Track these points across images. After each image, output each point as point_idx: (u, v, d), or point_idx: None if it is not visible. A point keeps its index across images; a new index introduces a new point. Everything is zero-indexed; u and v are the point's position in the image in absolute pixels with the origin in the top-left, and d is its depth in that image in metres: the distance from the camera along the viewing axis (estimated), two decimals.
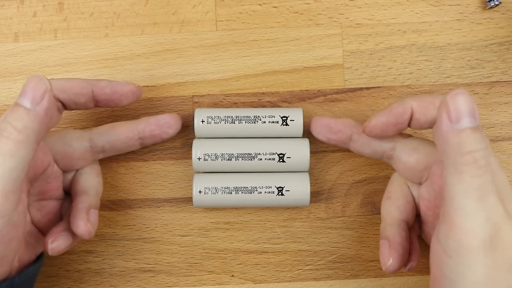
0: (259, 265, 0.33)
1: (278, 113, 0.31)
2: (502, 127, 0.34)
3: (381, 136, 0.29)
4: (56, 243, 0.28)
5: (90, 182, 0.30)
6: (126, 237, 0.33)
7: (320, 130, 0.31)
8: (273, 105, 0.34)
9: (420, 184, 0.29)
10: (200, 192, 0.31)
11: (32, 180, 0.28)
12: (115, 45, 0.34)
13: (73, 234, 0.28)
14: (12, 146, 0.24)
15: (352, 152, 0.31)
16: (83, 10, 0.35)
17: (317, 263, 0.33)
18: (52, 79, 0.28)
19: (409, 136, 0.30)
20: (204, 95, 0.34)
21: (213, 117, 0.31)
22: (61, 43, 0.34)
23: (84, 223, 0.28)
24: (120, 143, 0.31)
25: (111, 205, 0.33)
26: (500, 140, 0.33)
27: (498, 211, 0.23)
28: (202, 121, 0.31)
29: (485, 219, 0.22)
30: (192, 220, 0.33)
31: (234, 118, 0.31)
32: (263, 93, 0.34)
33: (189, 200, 0.33)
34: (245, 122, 0.31)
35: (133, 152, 0.33)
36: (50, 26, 0.35)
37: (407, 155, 0.29)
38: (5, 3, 0.35)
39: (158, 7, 0.35)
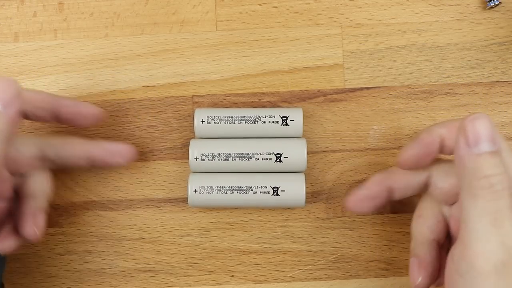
0: (259, 265, 0.33)
1: (278, 113, 0.31)
2: (502, 127, 0.34)
3: (416, 168, 0.29)
4: (5, 245, 0.28)
5: (39, 186, 0.30)
6: (126, 237, 0.33)
7: (361, 205, 0.30)
8: (273, 105, 0.34)
9: (452, 204, 0.29)
10: (195, 191, 0.31)
11: None
12: (115, 45, 0.34)
13: (21, 235, 0.29)
14: None
15: (352, 152, 0.32)
16: (83, 10, 0.35)
17: (317, 263, 0.33)
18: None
19: (440, 160, 0.29)
20: (204, 95, 0.34)
21: (213, 117, 0.31)
22: (61, 43, 0.34)
23: (30, 226, 0.28)
24: (69, 160, 0.31)
25: (111, 205, 0.33)
26: None
27: None
28: (202, 121, 0.31)
29: (499, 243, 0.22)
30: (192, 220, 0.33)
31: (234, 118, 0.31)
32: (263, 93, 0.34)
33: None
34: (245, 122, 0.31)
35: None
36: (50, 26, 0.35)
37: (441, 181, 0.28)
38: (5, 3, 0.35)
39: (158, 7, 0.35)
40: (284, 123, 0.31)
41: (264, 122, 0.31)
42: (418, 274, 0.28)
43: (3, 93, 0.25)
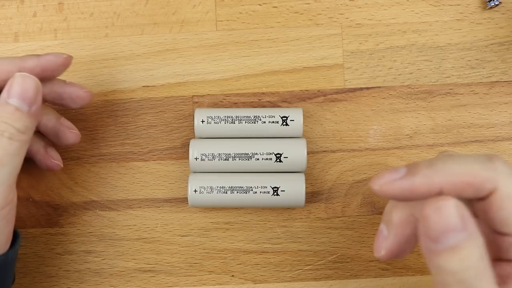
0: (259, 265, 0.33)
1: (278, 113, 0.31)
2: (502, 127, 0.34)
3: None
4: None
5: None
6: (126, 237, 0.33)
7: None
8: (273, 105, 0.34)
9: None
10: (195, 191, 0.31)
11: None
12: (115, 45, 0.34)
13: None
14: (18, 146, 0.25)
15: (352, 152, 0.32)
16: (83, 10, 0.35)
17: (317, 263, 0.33)
18: None
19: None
20: (204, 95, 0.34)
21: (213, 117, 0.31)
22: (61, 43, 0.34)
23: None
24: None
25: (111, 205, 0.33)
26: (500, 140, 0.33)
27: None
28: (202, 121, 0.31)
29: None
30: (192, 220, 0.33)
31: (234, 118, 0.31)
32: (263, 93, 0.34)
33: None
34: (245, 122, 0.31)
35: (133, 152, 0.33)
36: (50, 26, 0.35)
37: None
38: (5, 3, 0.35)
39: (158, 7, 0.35)
40: (284, 123, 0.31)
41: (264, 122, 0.31)
42: (381, 248, 0.24)
43: (27, 92, 0.26)
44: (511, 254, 0.22)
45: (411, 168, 0.22)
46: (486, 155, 0.22)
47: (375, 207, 0.33)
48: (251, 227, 0.33)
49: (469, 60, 0.34)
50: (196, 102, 0.34)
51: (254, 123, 0.31)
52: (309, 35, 0.34)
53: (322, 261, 0.33)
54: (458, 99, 0.34)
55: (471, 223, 0.20)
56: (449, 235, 0.19)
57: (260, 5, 0.35)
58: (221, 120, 0.31)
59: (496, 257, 0.22)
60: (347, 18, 0.34)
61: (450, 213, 0.19)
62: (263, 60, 0.34)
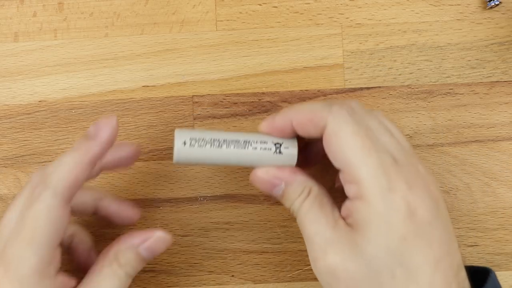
0: (259, 265, 0.33)
1: (271, 139, 0.28)
2: (502, 127, 0.34)
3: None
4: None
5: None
6: None
7: (270, 130, 0.28)
8: (273, 105, 0.34)
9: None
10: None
11: None
12: (115, 45, 0.34)
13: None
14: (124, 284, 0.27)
15: None
16: (83, 10, 0.35)
17: None
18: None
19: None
20: (204, 95, 0.34)
21: (197, 139, 0.27)
22: (61, 43, 0.34)
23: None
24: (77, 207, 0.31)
25: None
26: (500, 140, 0.33)
27: None
28: (184, 143, 0.27)
29: None
30: (192, 220, 0.33)
31: (222, 142, 0.27)
32: (263, 93, 0.34)
33: (189, 200, 0.33)
34: (234, 147, 0.27)
35: None
36: (50, 26, 0.35)
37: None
38: (5, 3, 0.35)
39: (158, 7, 0.35)
40: (278, 151, 0.28)
41: (255, 148, 0.28)
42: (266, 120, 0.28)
43: (157, 250, 0.28)
44: (346, 189, 0.25)
45: (279, 111, 0.28)
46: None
47: None
48: (251, 227, 0.33)
49: (469, 60, 0.34)
50: (196, 102, 0.34)
51: (244, 148, 0.28)
52: (309, 35, 0.34)
53: None
54: (458, 99, 0.34)
55: (286, 176, 0.27)
56: (274, 189, 0.27)
57: (260, 5, 0.35)
58: (206, 143, 0.27)
59: (346, 194, 0.25)
60: (347, 18, 0.34)
61: (269, 176, 0.27)
62: (263, 60, 0.34)
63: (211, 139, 0.27)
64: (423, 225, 0.24)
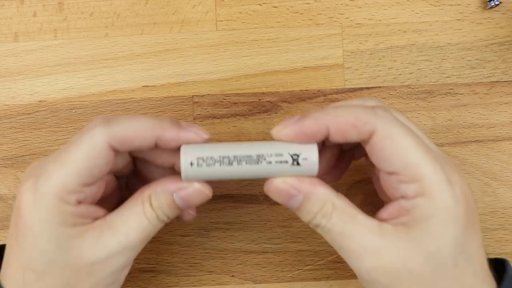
0: (259, 265, 0.33)
1: (287, 149, 0.25)
2: (502, 127, 0.34)
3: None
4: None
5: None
6: None
7: (290, 135, 0.26)
8: (273, 105, 0.34)
9: None
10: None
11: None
12: (115, 45, 0.34)
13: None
14: (156, 229, 0.27)
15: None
16: (83, 10, 0.35)
17: (317, 263, 0.33)
18: (116, 122, 0.25)
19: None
20: (204, 95, 0.34)
21: (205, 158, 0.25)
22: (61, 43, 0.34)
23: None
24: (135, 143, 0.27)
25: None
26: (500, 140, 0.33)
27: None
28: (191, 164, 0.25)
29: None
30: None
31: (232, 159, 0.25)
32: (263, 93, 0.34)
33: None
34: (246, 163, 0.25)
35: None
36: (50, 26, 0.35)
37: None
38: (5, 3, 0.35)
39: (158, 7, 0.35)
40: (296, 163, 0.25)
41: (270, 162, 0.25)
42: (286, 125, 0.25)
43: (193, 201, 0.26)
44: (401, 190, 0.24)
45: (305, 114, 0.25)
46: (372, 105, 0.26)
47: (375, 207, 0.33)
48: (251, 227, 0.33)
49: (469, 60, 0.34)
50: (196, 102, 0.34)
51: (258, 163, 0.25)
52: (309, 35, 0.34)
53: (322, 261, 0.33)
54: (458, 99, 0.34)
55: (305, 188, 0.25)
56: (291, 200, 0.25)
57: (260, 5, 0.35)
58: (215, 161, 0.25)
59: (394, 196, 0.25)
60: (347, 18, 0.34)
61: (286, 186, 0.25)
62: (263, 60, 0.34)
63: (220, 157, 0.25)
64: (474, 213, 0.25)
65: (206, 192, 0.26)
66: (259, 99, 0.34)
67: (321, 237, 0.33)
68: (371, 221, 0.25)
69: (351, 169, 0.33)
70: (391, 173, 0.25)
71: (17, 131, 0.34)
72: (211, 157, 0.25)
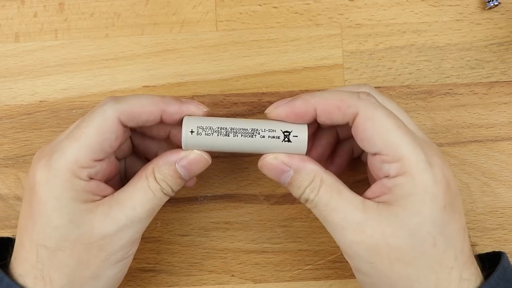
0: (259, 265, 0.33)
1: (279, 127, 0.28)
2: (501, 127, 0.34)
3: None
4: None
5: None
6: None
7: (281, 115, 0.28)
8: None
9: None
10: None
11: None
12: (116, 45, 0.34)
13: None
14: (161, 202, 0.28)
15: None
16: (83, 11, 0.35)
17: (317, 263, 0.33)
18: (123, 99, 0.27)
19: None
20: (204, 95, 0.34)
21: (204, 127, 0.27)
22: (61, 43, 0.35)
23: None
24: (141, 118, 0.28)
25: None
26: (499, 140, 0.33)
27: None
28: (192, 132, 0.27)
29: None
30: (192, 220, 0.33)
31: (229, 130, 0.27)
32: (263, 93, 0.34)
33: (189, 200, 0.33)
34: (241, 135, 0.28)
35: None
36: (51, 26, 0.35)
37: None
38: (6, 4, 0.35)
39: (158, 7, 0.35)
40: (286, 139, 0.28)
41: (263, 136, 0.28)
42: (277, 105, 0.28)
43: (196, 168, 0.28)
44: (384, 170, 0.26)
45: (296, 96, 0.28)
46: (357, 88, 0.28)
47: None
48: (251, 227, 0.33)
49: (469, 60, 0.34)
50: None
51: (252, 137, 0.28)
52: (309, 35, 0.34)
53: (322, 261, 0.33)
54: (458, 99, 0.34)
55: (296, 163, 0.27)
56: (282, 175, 0.27)
57: (260, 5, 0.35)
58: (213, 131, 0.27)
59: (378, 177, 0.26)
60: (347, 18, 0.34)
61: (278, 162, 0.27)
62: (263, 60, 0.34)
63: (218, 128, 0.27)
64: (455, 196, 0.26)
65: (205, 157, 0.28)
66: (259, 99, 0.34)
67: (321, 237, 0.33)
68: (356, 197, 0.26)
69: (351, 169, 0.33)
70: (374, 154, 0.26)
71: (18, 131, 0.34)
72: (210, 127, 0.27)
